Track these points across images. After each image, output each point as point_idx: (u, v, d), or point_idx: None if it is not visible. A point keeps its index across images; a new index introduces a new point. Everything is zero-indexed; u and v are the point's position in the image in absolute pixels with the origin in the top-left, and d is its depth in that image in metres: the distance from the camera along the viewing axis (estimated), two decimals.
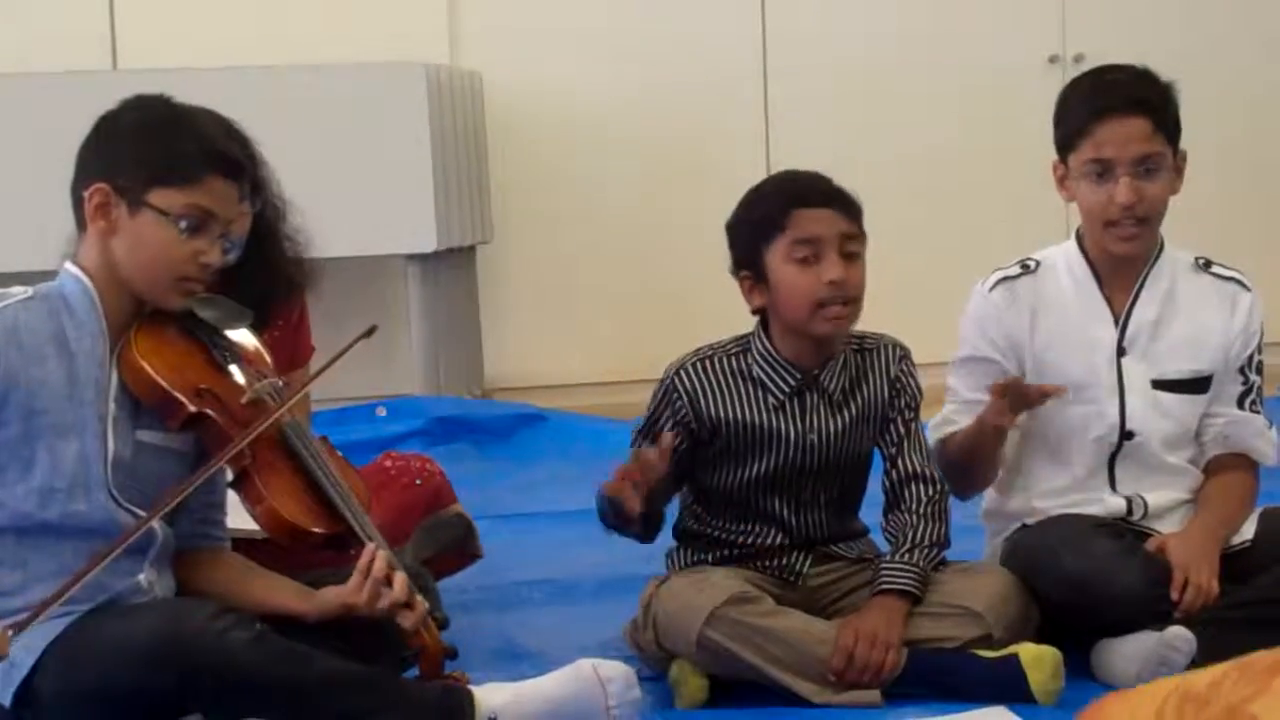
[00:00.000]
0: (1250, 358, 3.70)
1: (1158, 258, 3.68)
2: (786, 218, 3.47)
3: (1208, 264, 3.73)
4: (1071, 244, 3.71)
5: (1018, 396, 3.49)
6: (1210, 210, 7.07)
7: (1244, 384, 3.70)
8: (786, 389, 3.54)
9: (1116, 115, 3.55)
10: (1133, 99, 3.57)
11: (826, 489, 3.59)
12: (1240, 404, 3.69)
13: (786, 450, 3.54)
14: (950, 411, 3.71)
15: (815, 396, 3.55)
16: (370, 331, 3.26)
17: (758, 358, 3.56)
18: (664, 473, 3.38)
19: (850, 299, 3.48)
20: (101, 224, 3.09)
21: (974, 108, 7.50)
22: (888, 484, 3.60)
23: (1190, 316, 3.68)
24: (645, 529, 3.51)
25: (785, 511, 3.57)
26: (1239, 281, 3.73)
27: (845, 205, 3.50)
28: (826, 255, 3.46)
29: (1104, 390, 3.65)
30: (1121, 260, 3.65)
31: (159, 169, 3.07)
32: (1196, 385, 3.67)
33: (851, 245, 3.48)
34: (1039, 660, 3.34)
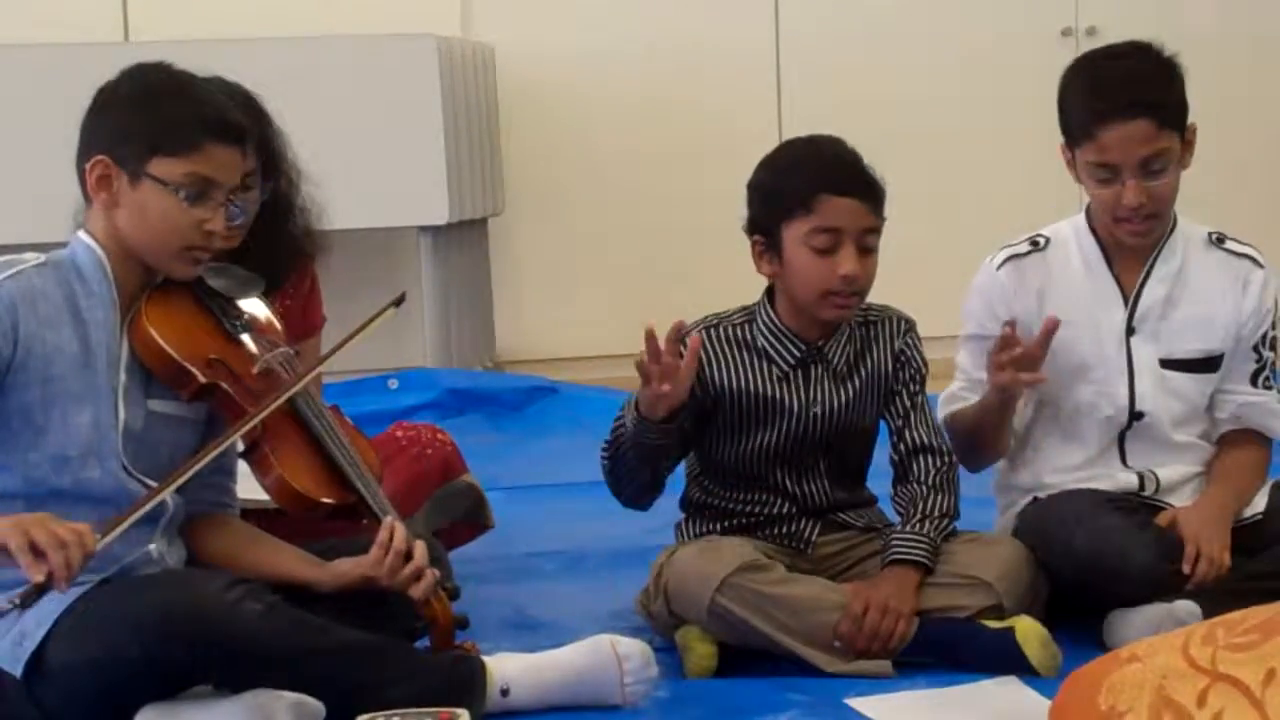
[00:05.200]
0: (1265, 336, 3.68)
1: (1170, 235, 3.65)
2: (813, 201, 3.44)
3: (1221, 239, 3.70)
4: (1081, 220, 3.69)
5: (1021, 357, 3.46)
6: (1220, 185, 7.06)
7: (1257, 362, 3.68)
8: (791, 360, 3.54)
9: (1119, 119, 3.48)
10: (1134, 101, 3.49)
11: (827, 458, 3.59)
12: (1254, 381, 3.68)
13: (790, 422, 3.54)
14: (958, 388, 3.71)
15: (820, 368, 3.55)
16: (400, 300, 3.26)
17: (762, 328, 3.56)
18: (686, 383, 3.35)
19: (859, 291, 3.48)
20: (104, 196, 3.08)
21: (986, 81, 7.49)
22: (895, 457, 3.60)
23: (1200, 295, 3.65)
24: (650, 471, 3.48)
25: (787, 481, 3.58)
26: (1252, 259, 3.69)
27: (872, 196, 3.48)
28: (845, 247, 3.44)
29: (1113, 371, 3.64)
30: None
31: (156, 138, 3.06)
32: (1206, 365, 3.66)
33: (869, 239, 3.47)
34: (1028, 635, 3.34)
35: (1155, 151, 3.50)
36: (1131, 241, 3.61)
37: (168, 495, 3.07)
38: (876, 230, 3.48)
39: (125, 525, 2.94)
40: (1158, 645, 2.48)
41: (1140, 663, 2.44)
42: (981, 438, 3.65)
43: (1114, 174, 3.52)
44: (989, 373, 3.51)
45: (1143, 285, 3.64)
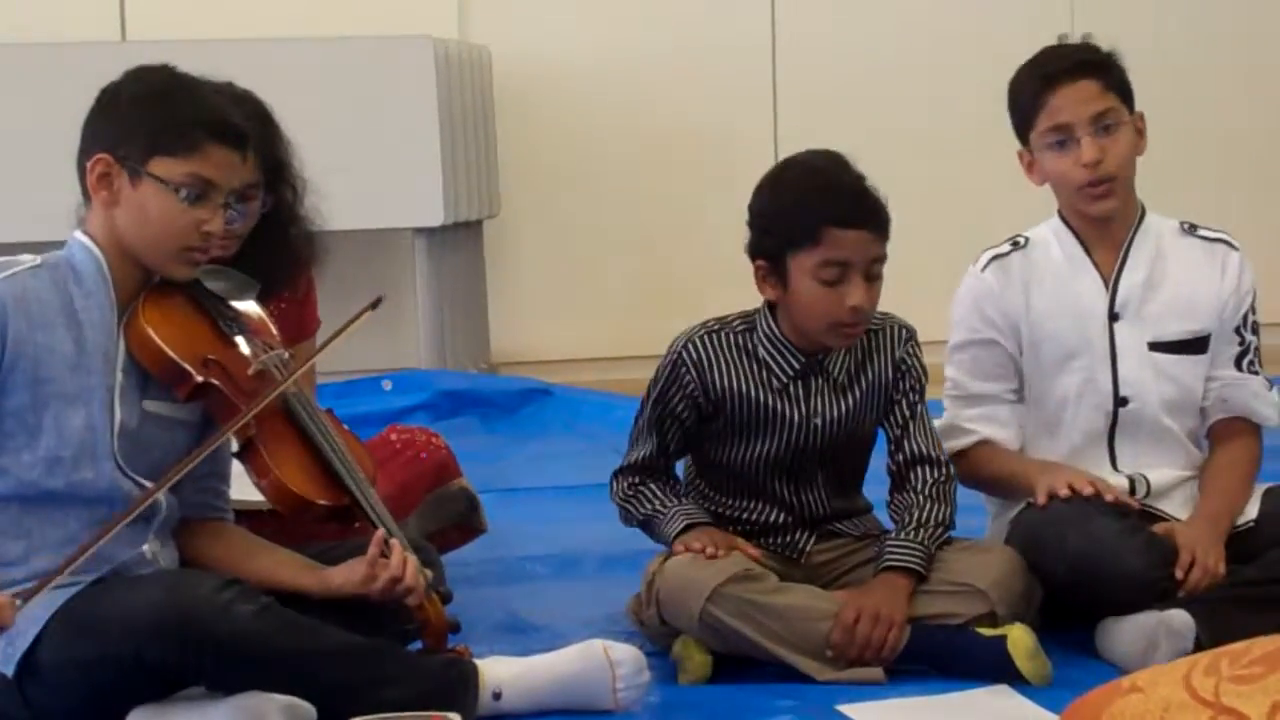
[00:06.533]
0: (1245, 317, 3.72)
1: (1140, 222, 3.71)
2: (820, 233, 3.40)
3: (1193, 228, 3.76)
4: (1055, 219, 3.74)
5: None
6: (1219, 187, 7.07)
7: (1240, 344, 3.72)
8: (791, 371, 3.54)
9: (1066, 80, 3.62)
10: (1078, 62, 3.65)
11: (826, 468, 3.59)
12: (1238, 364, 3.72)
13: (790, 432, 3.53)
14: (961, 416, 3.71)
15: (820, 380, 3.55)
16: (376, 303, 3.26)
17: (763, 338, 3.55)
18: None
19: (865, 320, 3.48)
20: (104, 195, 3.09)
21: (980, 88, 7.44)
22: (893, 466, 3.60)
23: (1181, 277, 3.70)
24: None
25: (785, 491, 3.58)
26: (1226, 242, 3.75)
27: (879, 224, 3.45)
28: (853, 279, 3.42)
29: (1097, 356, 3.67)
30: (1104, 225, 3.68)
31: (158, 138, 3.06)
32: (1195, 345, 3.69)
33: (876, 268, 3.45)
34: (1019, 644, 3.34)
35: (1104, 108, 3.62)
36: (1094, 210, 3.64)
37: (160, 495, 3.07)
38: (883, 258, 3.47)
39: (55, 581, 2.91)
40: (1159, 675, 2.44)
41: (1142, 693, 2.41)
42: (1002, 492, 3.70)
43: (1068, 135, 3.61)
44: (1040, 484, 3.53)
45: (1120, 269, 3.68)
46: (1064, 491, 3.48)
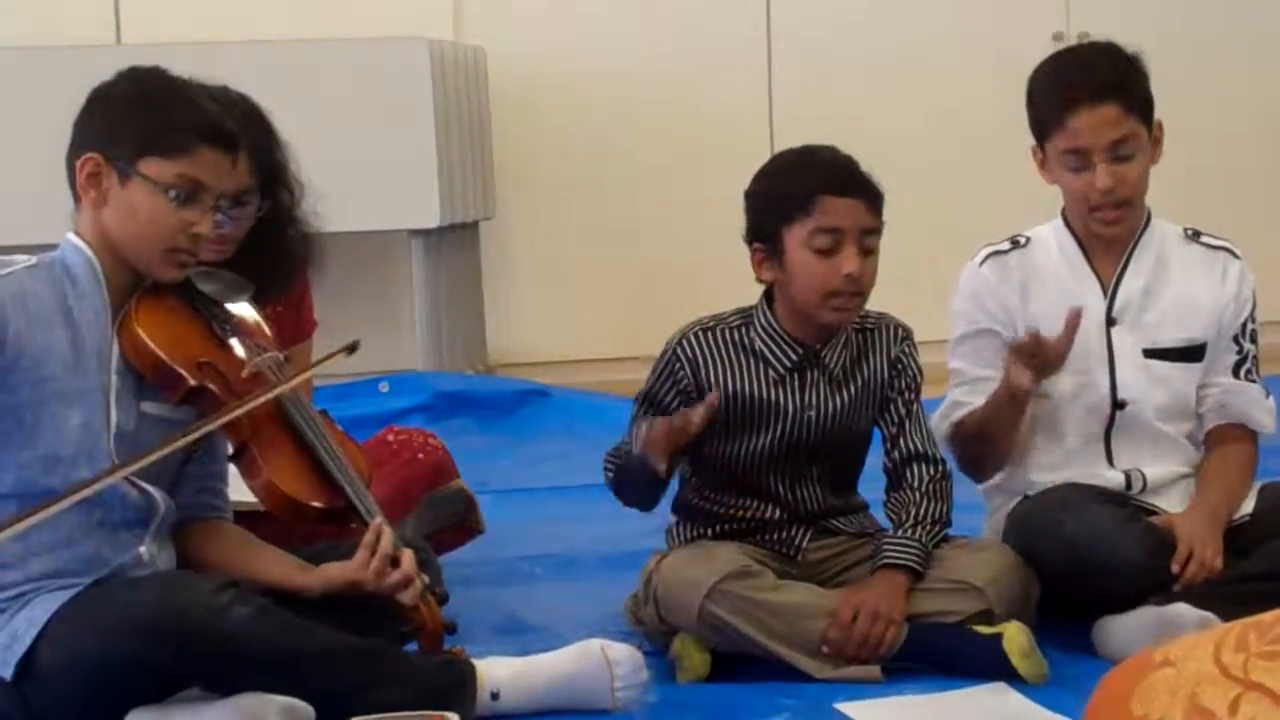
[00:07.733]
0: (1244, 325, 3.73)
1: (1145, 229, 3.71)
2: (812, 203, 3.45)
3: (1196, 234, 3.77)
4: (1058, 220, 3.75)
5: (1038, 353, 3.49)
6: (1212, 189, 7.07)
7: (1238, 352, 3.73)
8: (788, 364, 3.54)
9: (1086, 104, 3.57)
10: (1100, 85, 3.58)
11: (821, 464, 3.59)
12: (1235, 373, 3.72)
13: (785, 425, 3.54)
14: (958, 395, 3.72)
15: (816, 373, 3.56)
16: (353, 347, 3.26)
17: (760, 331, 3.56)
18: (698, 431, 3.37)
19: (860, 292, 3.49)
20: (93, 194, 3.09)
21: (977, 85, 7.48)
22: (889, 465, 3.61)
23: (1181, 285, 3.71)
24: (653, 492, 3.50)
25: (780, 487, 3.58)
26: (1228, 250, 3.76)
27: (871, 196, 3.49)
28: (846, 247, 3.44)
29: (1094, 360, 3.68)
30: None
31: (149, 138, 3.06)
32: (1190, 354, 3.70)
33: (870, 240, 3.47)
34: (1015, 642, 3.34)
35: (1123, 135, 3.59)
36: (1104, 231, 3.66)
37: (158, 497, 3.08)
38: (876, 231, 3.49)
39: (16, 529, 2.89)
40: (1191, 649, 2.42)
41: (1173, 668, 2.39)
42: (989, 439, 3.66)
43: (1084, 160, 3.59)
44: (1007, 373, 3.53)
45: (1121, 276, 3.70)
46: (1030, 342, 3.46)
